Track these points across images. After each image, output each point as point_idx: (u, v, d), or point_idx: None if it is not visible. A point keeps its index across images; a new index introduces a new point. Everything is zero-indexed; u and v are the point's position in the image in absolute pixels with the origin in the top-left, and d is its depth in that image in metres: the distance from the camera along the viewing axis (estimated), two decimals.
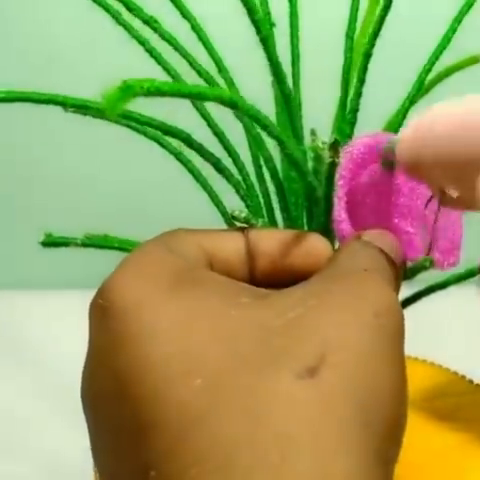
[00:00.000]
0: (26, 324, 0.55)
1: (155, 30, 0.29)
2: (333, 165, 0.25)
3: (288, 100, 0.28)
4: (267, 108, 0.33)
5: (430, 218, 0.30)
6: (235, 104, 0.22)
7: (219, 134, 0.32)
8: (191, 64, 0.29)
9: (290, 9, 0.34)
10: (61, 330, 0.49)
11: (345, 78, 0.33)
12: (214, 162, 0.30)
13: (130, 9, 0.29)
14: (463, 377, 0.41)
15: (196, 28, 0.33)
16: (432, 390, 0.41)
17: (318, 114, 0.33)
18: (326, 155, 0.24)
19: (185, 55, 0.30)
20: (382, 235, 0.26)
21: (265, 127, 0.25)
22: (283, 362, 0.20)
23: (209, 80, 0.30)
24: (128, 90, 0.19)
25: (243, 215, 0.28)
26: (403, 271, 0.27)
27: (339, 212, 0.28)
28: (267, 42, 0.26)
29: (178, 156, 0.32)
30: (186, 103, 0.32)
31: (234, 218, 0.28)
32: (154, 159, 0.34)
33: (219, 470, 0.18)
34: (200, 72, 0.30)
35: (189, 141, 0.29)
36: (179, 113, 0.32)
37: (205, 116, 0.32)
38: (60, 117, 0.31)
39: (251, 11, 0.24)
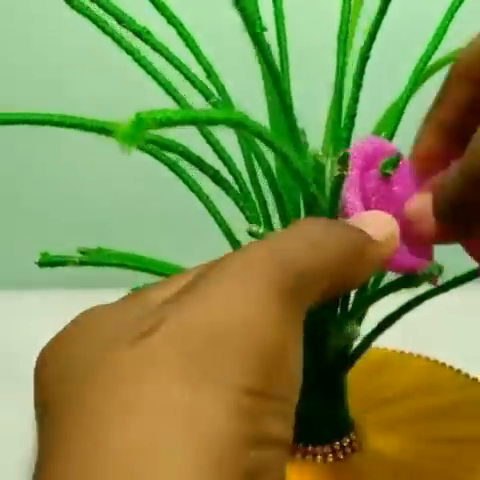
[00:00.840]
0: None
1: (146, 42, 0.28)
2: (340, 178, 0.24)
3: (288, 108, 0.27)
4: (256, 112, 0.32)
5: None
6: (244, 126, 0.22)
7: (214, 143, 0.32)
8: (186, 76, 0.29)
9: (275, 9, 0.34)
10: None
11: (339, 80, 0.32)
12: (212, 174, 0.29)
13: (120, 21, 0.28)
14: (459, 371, 0.41)
15: (183, 34, 0.32)
16: (428, 385, 0.41)
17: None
18: (334, 168, 0.24)
19: (179, 66, 0.29)
20: (374, 216, 0.26)
21: (269, 143, 0.24)
22: (119, 340, 0.20)
23: (204, 91, 0.29)
24: (141, 124, 0.18)
25: (261, 231, 0.28)
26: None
27: (353, 200, 0.27)
28: (262, 50, 0.25)
29: (173, 167, 0.32)
30: None
31: (251, 234, 0.28)
32: (151, 167, 0.33)
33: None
34: (195, 83, 0.29)
35: (187, 154, 0.28)
36: None
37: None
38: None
39: (249, 25, 0.24)
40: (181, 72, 0.29)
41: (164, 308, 0.21)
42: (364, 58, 0.30)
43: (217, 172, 0.30)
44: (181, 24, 0.32)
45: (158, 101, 0.32)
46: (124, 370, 0.19)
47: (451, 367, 0.41)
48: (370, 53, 0.30)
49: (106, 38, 0.30)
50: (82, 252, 0.33)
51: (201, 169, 0.29)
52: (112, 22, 0.29)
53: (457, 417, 0.38)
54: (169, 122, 0.19)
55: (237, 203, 0.31)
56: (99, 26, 0.30)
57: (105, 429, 0.18)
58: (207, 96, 0.29)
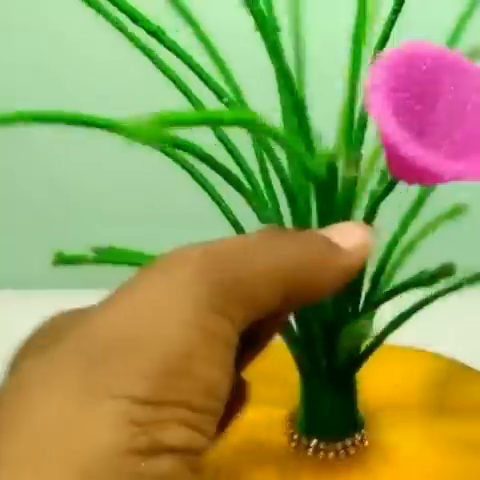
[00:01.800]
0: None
1: (163, 42, 0.28)
2: (352, 180, 0.24)
3: (300, 109, 0.27)
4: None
5: None
6: (256, 125, 0.22)
7: (224, 140, 0.32)
8: (200, 76, 0.29)
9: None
10: None
11: (352, 82, 0.32)
12: (225, 173, 0.30)
13: (135, 20, 0.28)
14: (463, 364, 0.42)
15: (199, 33, 0.33)
16: (439, 381, 0.41)
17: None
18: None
19: (194, 66, 0.29)
20: (346, 226, 0.26)
21: (281, 142, 0.24)
22: (39, 348, 0.21)
23: (218, 91, 0.29)
24: (160, 122, 0.18)
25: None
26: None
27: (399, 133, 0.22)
28: (275, 50, 0.26)
29: (184, 165, 0.32)
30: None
31: None
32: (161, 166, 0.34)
33: None
34: (208, 83, 0.29)
35: (199, 154, 0.29)
36: None
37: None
38: None
39: (260, 24, 0.24)
40: (196, 72, 0.29)
41: (80, 318, 0.21)
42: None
43: (229, 171, 0.30)
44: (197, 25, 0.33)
45: (170, 101, 0.33)
46: (25, 380, 0.20)
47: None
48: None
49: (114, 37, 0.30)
50: (95, 251, 0.33)
51: (213, 168, 0.29)
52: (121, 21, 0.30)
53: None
54: (184, 122, 0.19)
55: (250, 202, 0.31)
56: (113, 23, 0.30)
57: None
58: (220, 96, 0.29)
